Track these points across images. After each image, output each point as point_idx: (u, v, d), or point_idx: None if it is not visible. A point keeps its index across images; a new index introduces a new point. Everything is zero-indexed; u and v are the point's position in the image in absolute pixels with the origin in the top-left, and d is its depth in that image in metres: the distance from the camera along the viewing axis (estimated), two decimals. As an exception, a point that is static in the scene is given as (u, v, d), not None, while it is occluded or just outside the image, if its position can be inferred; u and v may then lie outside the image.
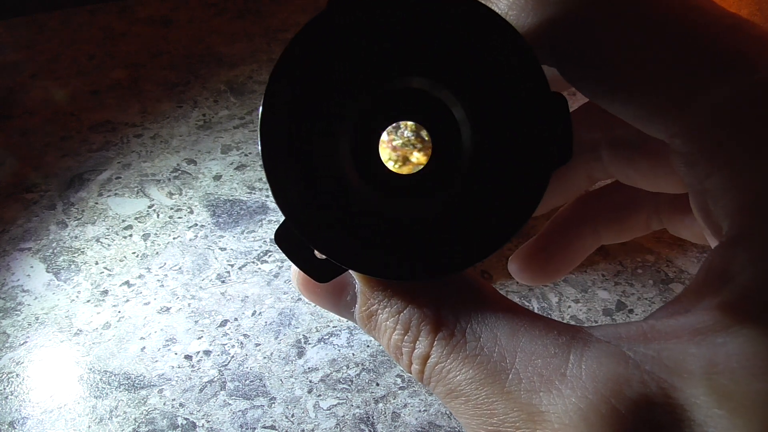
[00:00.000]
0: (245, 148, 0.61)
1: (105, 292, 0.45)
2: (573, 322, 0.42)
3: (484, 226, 0.15)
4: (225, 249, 0.49)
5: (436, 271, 0.15)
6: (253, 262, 0.48)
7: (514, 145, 0.15)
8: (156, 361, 0.40)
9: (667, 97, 0.14)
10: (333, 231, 0.15)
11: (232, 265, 0.48)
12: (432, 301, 0.16)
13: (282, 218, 0.15)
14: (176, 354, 0.41)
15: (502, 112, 0.15)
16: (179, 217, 0.53)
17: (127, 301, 0.45)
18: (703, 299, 0.13)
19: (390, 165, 0.15)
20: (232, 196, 0.55)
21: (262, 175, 0.57)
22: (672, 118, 0.14)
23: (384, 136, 0.15)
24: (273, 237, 0.15)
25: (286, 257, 0.15)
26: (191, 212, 0.53)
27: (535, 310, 0.43)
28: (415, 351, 0.16)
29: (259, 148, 0.14)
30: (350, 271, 0.17)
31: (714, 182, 0.13)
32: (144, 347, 0.41)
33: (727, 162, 0.13)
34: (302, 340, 0.42)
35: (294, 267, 0.17)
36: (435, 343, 0.16)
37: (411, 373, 0.16)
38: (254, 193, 0.55)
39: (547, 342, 0.14)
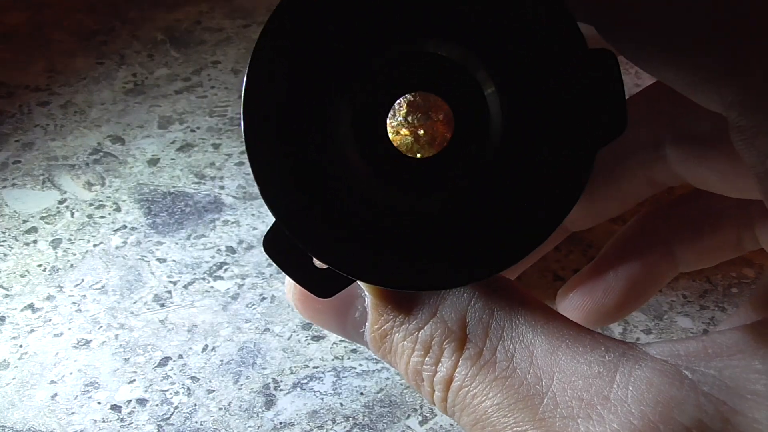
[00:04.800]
0: (191, 120, 0.62)
1: (0, 320, 0.47)
2: (642, 361, 0.43)
3: (518, 220, 0.17)
4: (164, 260, 0.51)
5: (462, 278, 0.17)
6: (204, 279, 0.49)
7: (552, 117, 0.16)
8: (72, 412, 0.42)
9: (722, 59, 0.15)
10: (336, 233, 0.17)
11: (174, 283, 0.49)
12: (457, 314, 0.18)
13: (272, 220, 0.17)
14: (99, 403, 0.42)
15: (536, 76, 0.16)
16: (101, 217, 0.54)
17: (32, 331, 0.46)
18: None
19: (402, 147, 0.17)
20: (173, 187, 0.56)
21: (216, 158, 0.59)
22: (729, 84, 0.15)
23: (393, 112, 0.17)
24: (262, 244, 0.17)
25: (279, 269, 0.17)
26: (118, 210, 0.54)
27: (591, 345, 0.44)
28: (437, 374, 0.18)
29: (242, 130, 0.16)
30: (358, 282, 0.19)
31: None
32: (55, 394, 0.43)
33: None
34: (271, 385, 0.43)
35: (288, 280, 0.18)
36: (460, 363, 0.17)
37: (434, 403, 0.18)
38: (204, 183, 0.56)
39: (592, 360, 0.16)
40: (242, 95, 0.16)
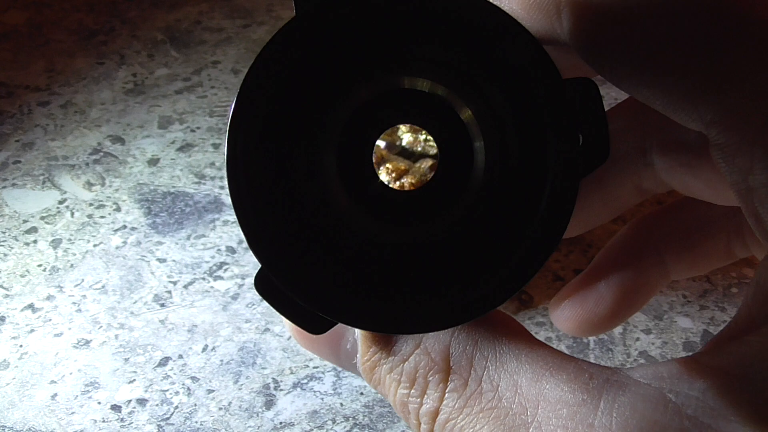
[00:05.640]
0: (191, 120, 0.62)
1: (0, 320, 0.47)
2: (642, 360, 0.44)
3: (504, 256, 0.17)
4: (165, 260, 0.51)
5: (446, 321, 0.17)
6: (204, 279, 0.49)
7: (535, 149, 0.17)
8: (72, 412, 0.42)
9: (700, 79, 0.16)
10: (320, 278, 0.17)
11: (174, 283, 0.49)
12: (440, 345, 0.18)
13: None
14: (99, 403, 0.42)
15: (517, 108, 0.17)
16: (101, 217, 0.54)
17: (32, 331, 0.46)
18: (753, 323, 0.16)
19: (390, 180, 0.17)
20: (173, 187, 0.56)
21: (216, 158, 0.59)
22: (706, 103, 0.16)
23: (379, 146, 0.17)
24: (254, 284, 0.18)
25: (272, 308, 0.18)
26: (118, 210, 0.54)
27: (591, 345, 0.45)
28: (423, 407, 0.18)
29: (226, 173, 0.16)
30: None
31: (758, 179, 0.15)
32: (55, 394, 0.43)
33: None
34: (272, 385, 0.43)
35: None
36: (446, 395, 0.18)
37: None
38: (204, 183, 0.57)
39: (576, 387, 0.16)
40: (225, 148, 0.16)
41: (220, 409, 0.42)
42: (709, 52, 0.16)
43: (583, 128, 0.16)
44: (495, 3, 0.17)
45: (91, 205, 0.55)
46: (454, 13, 0.16)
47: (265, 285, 0.17)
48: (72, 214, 0.54)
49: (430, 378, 0.18)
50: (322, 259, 0.17)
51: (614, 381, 0.16)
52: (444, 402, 0.18)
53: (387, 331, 0.18)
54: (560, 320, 0.27)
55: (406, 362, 0.18)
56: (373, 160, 0.17)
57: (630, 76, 0.17)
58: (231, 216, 0.54)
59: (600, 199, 0.25)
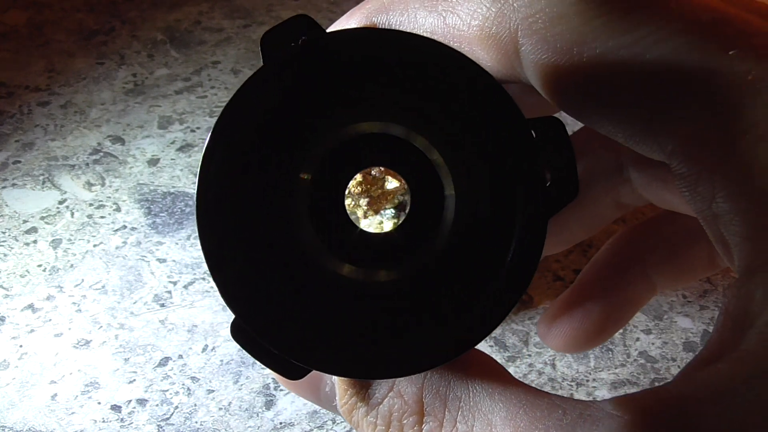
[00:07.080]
0: (191, 120, 0.62)
1: (0, 320, 0.47)
2: (642, 360, 0.44)
3: (475, 298, 0.17)
4: (165, 260, 0.51)
5: (418, 365, 0.18)
6: (204, 279, 0.49)
7: (504, 189, 0.17)
8: (72, 413, 0.42)
9: (658, 111, 0.16)
10: (292, 327, 0.17)
11: (174, 283, 0.49)
12: (413, 387, 0.18)
13: None
14: (99, 404, 0.42)
15: (484, 150, 0.17)
16: (101, 217, 0.54)
17: (32, 331, 0.46)
18: (724, 351, 0.16)
19: (361, 222, 0.18)
20: (173, 187, 0.56)
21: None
22: (666, 134, 0.16)
23: (351, 190, 0.18)
24: (230, 332, 0.18)
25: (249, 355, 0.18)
26: (118, 210, 0.55)
27: (591, 345, 0.45)
28: None
29: (196, 222, 0.17)
30: None
31: (721, 207, 0.16)
32: (55, 394, 0.43)
33: (730, 181, 0.15)
34: (272, 386, 0.43)
35: None
36: None
37: None
38: (204, 184, 0.57)
39: (550, 425, 0.16)
40: (195, 205, 0.17)
41: (220, 409, 0.42)
42: (665, 85, 0.16)
43: (550, 167, 0.17)
44: (454, 44, 0.18)
45: (91, 205, 0.55)
46: (418, 60, 0.17)
47: (240, 333, 0.18)
48: (72, 214, 0.54)
49: (405, 421, 0.18)
50: (294, 309, 0.17)
51: (587, 415, 0.16)
52: None
53: (359, 377, 0.18)
54: (548, 338, 0.27)
55: (381, 405, 0.18)
56: (346, 203, 0.18)
57: (591, 112, 0.17)
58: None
59: (579, 215, 0.25)
